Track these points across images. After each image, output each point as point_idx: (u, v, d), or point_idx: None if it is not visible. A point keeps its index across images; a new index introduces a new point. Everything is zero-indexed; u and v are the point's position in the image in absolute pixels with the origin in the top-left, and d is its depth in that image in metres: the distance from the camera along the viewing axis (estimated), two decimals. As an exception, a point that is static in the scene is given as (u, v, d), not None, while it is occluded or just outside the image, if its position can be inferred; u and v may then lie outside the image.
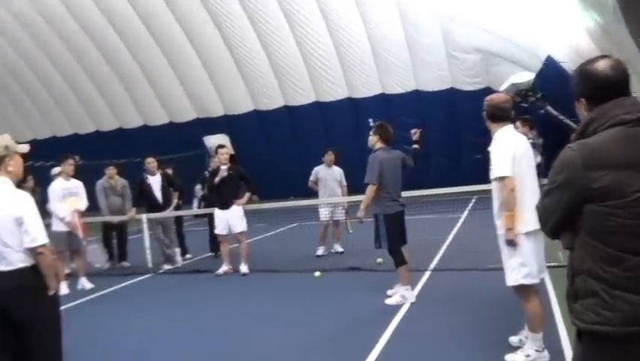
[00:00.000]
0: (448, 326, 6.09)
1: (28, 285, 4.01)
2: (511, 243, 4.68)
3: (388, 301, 7.15)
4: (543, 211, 2.50)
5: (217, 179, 9.71)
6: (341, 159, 11.32)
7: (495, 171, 4.74)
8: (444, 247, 10.48)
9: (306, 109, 22.67)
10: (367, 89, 21.58)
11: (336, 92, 22.14)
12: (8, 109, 27.41)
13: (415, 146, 7.69)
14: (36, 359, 4.08)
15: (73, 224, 9.50)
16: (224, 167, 9.80)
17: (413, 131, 7.76)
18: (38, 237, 4.02)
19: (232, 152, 19.85)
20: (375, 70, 21.12)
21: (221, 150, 10.09)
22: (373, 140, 7.38)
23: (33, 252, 4.01)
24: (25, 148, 4.28)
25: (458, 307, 6.69)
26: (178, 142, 23.36)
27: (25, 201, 4.08)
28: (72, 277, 10.04)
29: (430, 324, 6.25)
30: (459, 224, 13.20)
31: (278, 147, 23.69)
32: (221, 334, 6.65)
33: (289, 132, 23.24)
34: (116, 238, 11.83)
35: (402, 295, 7.10)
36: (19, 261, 4.00)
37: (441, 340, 5.70)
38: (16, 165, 4.17)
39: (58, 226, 9.53)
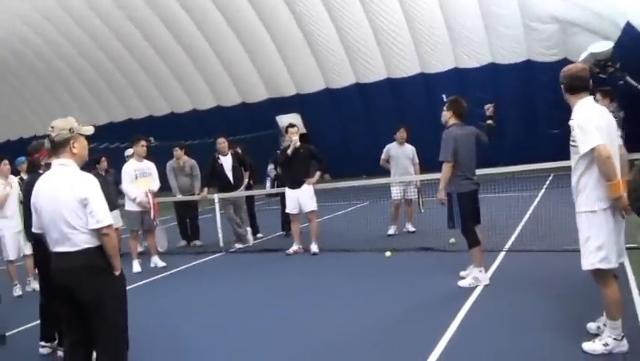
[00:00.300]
0: (522, 310, 5.84)
1: (93, 265, 4.03)
2: (625, 212, 4.29)
3: (461, 283, 6.94)
4: (637, 186, 2.25)
5: (290, 150, 9.70)
6: (413, 137, 11.06)
7: (584, 144, 4.34)
8: (519, 227, 10.13)
9: (378, 86, 22.45)
10: (440, 63, 21.13)
11: (408, 68, 21.78)
12: (86, 95, 28.44)
13: (489, 121, 7.44)
14: (101, 338, 4.12)
15: (146, 204, 9.69)
16: (295, 137, 9.77)
17: (487, 106, 7.52)
18: (103, 218, 4.02)
19: (303, 131, 19.89)
20: (449, 43, 20.62)
21: (290, 129, 10.06)
22: (447, 115, 7.19)
23: (98, 233, 4.02)
24: (89, 130, 4.27)
25: (533, 291, 6.42)
26: (250, 122, 23.59)
27: (90, 183, 4.07)
28: (145, 256, 10.29)
29: (503, 307, 6.01)
30: (535, 203, 12.72)
31: (349, 125, 23.57)
32: (291, 311, 6.64)
33: (360, 110, 23.07)
34: (188, 217, 12.05)
35: (475, 277, 6.88)
36: (83, 242, 4.02)
37: (514, 324, 5.46)
38: (80, 147, 4.17)
39: (130, 206, 9.78)
